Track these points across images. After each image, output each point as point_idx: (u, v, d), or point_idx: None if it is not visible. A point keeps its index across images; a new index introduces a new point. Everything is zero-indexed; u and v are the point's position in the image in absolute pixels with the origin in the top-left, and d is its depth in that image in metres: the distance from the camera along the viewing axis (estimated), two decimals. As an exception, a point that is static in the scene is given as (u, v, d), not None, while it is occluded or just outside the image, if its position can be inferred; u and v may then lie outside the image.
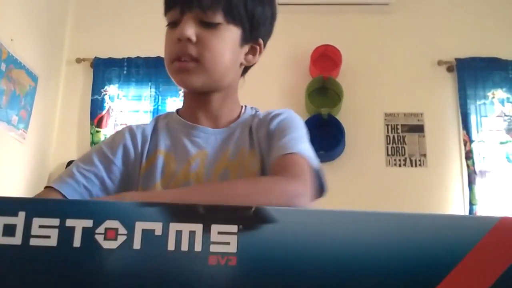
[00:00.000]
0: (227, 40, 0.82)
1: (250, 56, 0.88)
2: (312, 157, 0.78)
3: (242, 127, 0.88)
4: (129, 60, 3.02)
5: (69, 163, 2.89)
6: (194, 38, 0.79)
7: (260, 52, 0.89)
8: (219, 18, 0.80)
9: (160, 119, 0.92)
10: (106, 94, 2.99)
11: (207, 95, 0.86)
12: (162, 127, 0.89)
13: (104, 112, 2.95)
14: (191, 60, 0.79)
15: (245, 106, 0.94)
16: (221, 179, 0.82)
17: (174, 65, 0.81)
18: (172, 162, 0.83)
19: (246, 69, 0.91)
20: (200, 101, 0.87)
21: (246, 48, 0.87)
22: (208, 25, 0.80)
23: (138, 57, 3.01)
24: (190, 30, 0.78)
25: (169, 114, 0.94)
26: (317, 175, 0.78)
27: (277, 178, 0.72)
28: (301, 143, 0.80)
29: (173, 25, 0.82)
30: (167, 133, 0.88)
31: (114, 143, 0.85)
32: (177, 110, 0.93)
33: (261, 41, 0.88)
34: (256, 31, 0.86)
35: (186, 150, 0.84)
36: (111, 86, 3.00)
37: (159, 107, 2.95)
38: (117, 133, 0.90)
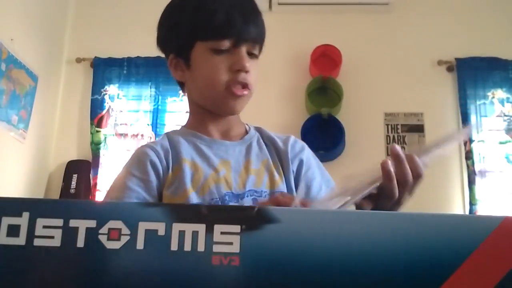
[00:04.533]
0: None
1: None
2: None
3: (256, 139, 0.96)
4: (129, 60, 3.01)
5: (69, 163, 2.89)
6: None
7: None
8: (258, 51, 0.92)
9: (171, 134, 0.96)
10: (106, 94, 2.98)
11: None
12: (179, 140, 0.92)
13: (104, 112, 2.94)
14: (246, 88, 0.88)
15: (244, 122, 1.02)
16: (248, 184, 0.88)
17: (230, 91, 0.87)
18: (199, 169, 0.87)
19: None
20: (214, 117, 0.94)
21: None
22: (253, 56, 0.90)
23: (138, 57, 3.00)
24: (249, 63, 0.87)
25: (177, 130, 0.98)
26: None
27: None
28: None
29: (218, 51, 0.87)
30: (188, 144, 0.91)
31: (141, 163, 0.87)
32: (184, 126, 0.98)
33: None
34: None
35: (211, 159, 0.89)
36: (111, 86, 3.00)
37: (159, 107, 2.95)
38: (138, 153, 0.91)
